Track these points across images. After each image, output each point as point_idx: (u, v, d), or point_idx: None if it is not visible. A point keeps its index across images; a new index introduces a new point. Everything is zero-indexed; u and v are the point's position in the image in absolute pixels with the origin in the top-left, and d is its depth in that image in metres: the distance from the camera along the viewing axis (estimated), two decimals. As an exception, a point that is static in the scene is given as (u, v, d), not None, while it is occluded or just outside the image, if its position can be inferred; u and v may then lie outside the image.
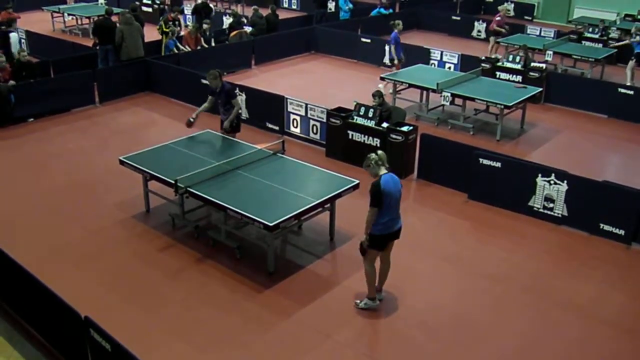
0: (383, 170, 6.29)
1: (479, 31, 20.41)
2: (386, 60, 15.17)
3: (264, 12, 18.13)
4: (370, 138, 10.06)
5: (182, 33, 16.05)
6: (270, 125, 11.86)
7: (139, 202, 8.79)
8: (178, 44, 15.33)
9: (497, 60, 14.74)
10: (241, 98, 11.95)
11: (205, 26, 16.06)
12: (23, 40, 16.77)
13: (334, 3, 22.37)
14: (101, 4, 21.84)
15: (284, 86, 13.85)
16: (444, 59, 15.89)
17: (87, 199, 9.14)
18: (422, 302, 6.91)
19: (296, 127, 11.47)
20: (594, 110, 13.30)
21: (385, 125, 9.98)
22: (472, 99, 11.79)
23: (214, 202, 7.32)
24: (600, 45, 17.19)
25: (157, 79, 13.91)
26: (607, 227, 8.24)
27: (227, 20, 19.05)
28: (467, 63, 15.09)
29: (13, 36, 14.09)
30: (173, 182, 7.53)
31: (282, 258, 7.75)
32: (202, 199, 7.47)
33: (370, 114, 10.14)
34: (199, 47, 15.53)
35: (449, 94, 11.94)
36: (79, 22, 19.95)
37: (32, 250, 7.63)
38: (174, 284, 7.16)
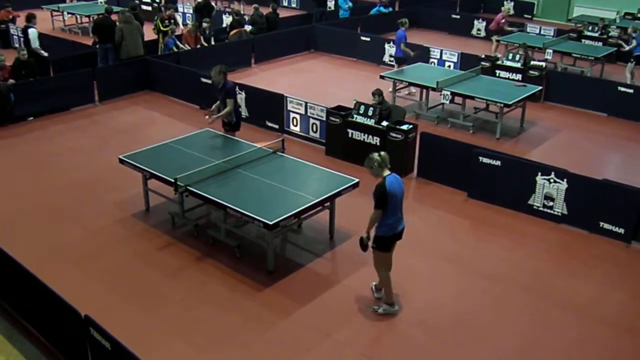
0: (386, 172, 6.27)
1: (478, 30, 20.40)
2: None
3: (264, 10, 18.12)
4: (370, 136, 10.06)
5: (178, 32, 15.99)
6: (270, 124, 11.85)
7: (138, 201, 8.79)
8: (178, 43, 15.32)
9: (497, 58, 14.74)
10: (241, 97, 11.95)
11: (204, 25, 16.05)
12: (23, 39, 16.78)
13: (333, 1, 22.34)
14: (101, 2, 21.84)
15: (284, 85, 13.85)
16: (444, 57, 15.88)
17: (86, 197, 9.14)
18: (421, 301, 6.91)
19: (296, 125, 11.46)
20: (593, 108, 13.31)
21: (385, 123, 9.98)
22: (472, 98, 11.79)
23: (213, 201, 7.32)
24: (600, 43, 17.19)
25: (156, 78, 13.91)
26: (607, 226, 8.24)
27: (226, 19, 19.05)
28: (466, 61, 15.09)
29: (32, 32, 14.13)
30: (173, 180, 7.53)
31: (281, 257, 7.75)
32: (201, 197, 7.47)
33: (370, 113, 10.14)
34: (198, 46, 15.53)
35: (449, 93, 11.94)
36: (79, 20, 19.96)
37: (32, 249, 7.64)
38: (173, 283, 7.16)
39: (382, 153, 6.34)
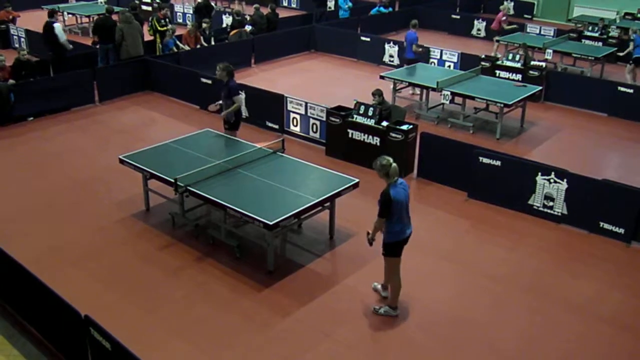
0: (392, 180, 6.18)
1: (478, 30, 20.40)
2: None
3: (264, 10, 18.12)
4: (370, 137, 10.06)
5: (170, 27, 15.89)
6: (270, 124, 11.85)
7: (138, 201, 8.79)
8: (178, 43, 15.31)
9: (497, 58, 14.74)
10: (241, 97, 11.93)
11: (204, 25, 16.05)
12: (23, 39, 16.81)
13: (333, 1, 22.36)
14: (101, 2, 21.84)
15: (284, 85, 13.86)
16: (444, 57, 15.89)
17: (87, 197, 9.14)
18: (421, 301, 6.91)
19: (296, 125, 11.46)
20: (593, 108, 13.31)
21: (385, 123, 9.98)
22: (472, 98, 11.79)
23: (213, 201, 7.32)
24: (600, 43, 17.19)
25: (157, 78, 13.91)
26: (606, 226, 8.24)
27: (226, 19, 19.05)
28: (466, 62, 15.10)
29: (57, 27, 14.13)
30: (173, 180, 7.53)
31: (281, 257, 7.76)
32: (202, 197, 7.47)
33: (370, 113, 10.14)
34: (198, 46, 15.53)
35: (449, 93, 11.94)
36: (79, 20, 19.96)
37: (32, 249, 7.64)
38: (173, 283, 7.17)
39: (394, 165, 6.12)
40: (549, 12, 24.33)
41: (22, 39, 16.88)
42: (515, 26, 17.93)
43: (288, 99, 11.49)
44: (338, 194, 7.63)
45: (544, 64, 14.11)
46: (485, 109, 12.41)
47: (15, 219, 8.50)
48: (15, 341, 6.22)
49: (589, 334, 6.52)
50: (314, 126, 11.14)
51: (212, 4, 18.96)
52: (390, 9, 21.03)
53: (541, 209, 8.71)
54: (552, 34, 18.81)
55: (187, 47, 15.27)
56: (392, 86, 12.94)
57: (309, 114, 11.20)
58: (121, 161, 8.43)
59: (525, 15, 23.86)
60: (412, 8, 21.96)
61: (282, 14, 20.46)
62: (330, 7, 22.06)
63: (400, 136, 9.71)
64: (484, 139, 11.45)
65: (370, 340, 6.37)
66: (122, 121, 12.36)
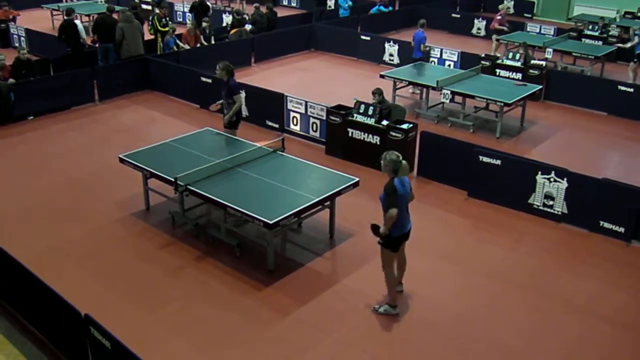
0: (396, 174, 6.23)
1: (478, 29, 20.39)
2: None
3: (264, 10, 18.09)
4: (370, 136, 10.06)
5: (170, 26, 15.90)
6: (270, 123, 11.85)
7: (138, 200, 8.79)
8: (178, 42, 15.31)
9: (497, 57, 14.72)
10: (241, 96, 11.92)
11: (204, 24, 16.04)
12: (23, 38, 16.80)
13: (333, 0, 22.34)
14: (100, 1, 21.81)
15: (284, 84, 13.85)
16: (444, 56, 15.87)
17: (86, 196, 9.14)
18: (421, 300, 6.91)
19: (296, 124, 11.46)
20: (593, 107, 13.30)
21: (385, 122, 9.98)
22: (472, 97, 11.78)
23: (213, 200, 7.32)
24: (600, 42, 17.18)
25: (157, 77, 13.90)
26: (607, 225, 8.24)
27: (226, 18, 19.03)
28: (467, 61, 15.08)
29: (79, 24, 14.25)
30: (173, 179, 7.53)
31: (281, 256, 7.75)
32: (202, 196, 7.47)
33: (370, 112, 10.13)
34: (198, 45, 15.53)
35: (449, 92, 11.93)
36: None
37: (32, 249, 7.64)
38: (173, 282, 7.17)
39: (404, 163, 6.22)
40: (549, 11, 24.31)
41: (22, 38, 16.88)
42: (505, 28, 17.73)
43: (288, 98, 11.49)
44: (338, 193, 7.63)
45: (544, 63, 14.10)
46: (485, 108, 12.40)
47: (15, 218, 8.50)
48: (15, 340, 6.23)
49: (588, 333, 6.52)
50: (314, 125, 11.14)
51: (209, 3, 18.91)
52: (391, 8, 21.01)
53: (541, 208, 8.71)
54: (552, 32, 18.78)
55: (187, 46, 15.27)
56: (392, 85, 12.95)
57: (309, 113, 11.19)
58: (121, 160, 8.43)
59: (526, 14, 23.82)
60: (412, 7, 21.95)
61: (282, 13, 20.46)
62: (330, 6, 22.04)
63: (400, 135, 9.71)
64: (484, 138, 11.45)
65: (370, 339, 6.37)
66: (122, 120, 12.36)
